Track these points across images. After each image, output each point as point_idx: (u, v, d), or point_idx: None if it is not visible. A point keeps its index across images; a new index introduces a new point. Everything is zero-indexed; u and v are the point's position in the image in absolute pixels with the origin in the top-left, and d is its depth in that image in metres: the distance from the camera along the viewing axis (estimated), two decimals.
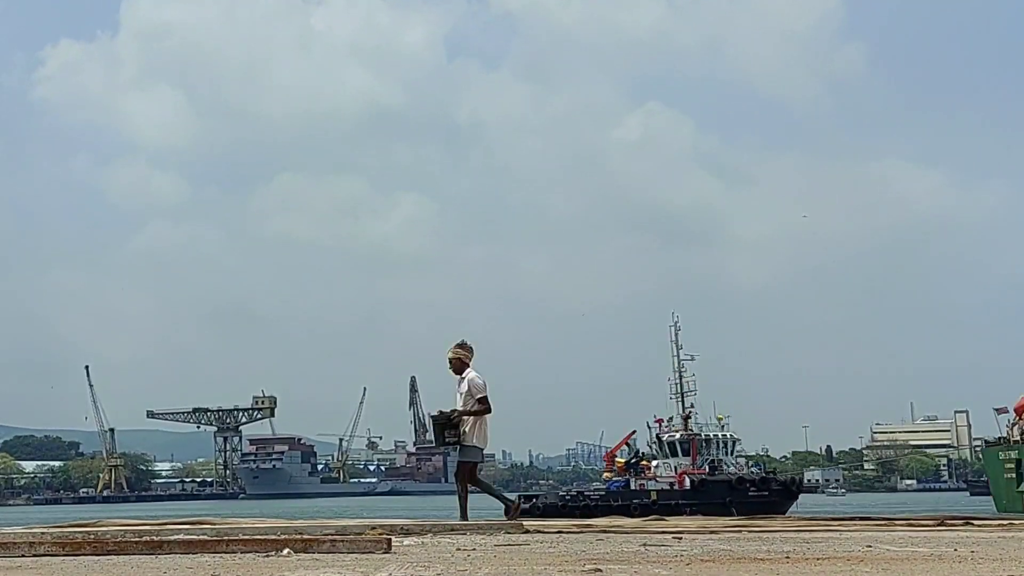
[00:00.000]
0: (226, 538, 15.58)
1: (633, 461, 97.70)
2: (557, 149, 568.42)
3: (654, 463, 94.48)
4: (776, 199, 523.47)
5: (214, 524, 18.69)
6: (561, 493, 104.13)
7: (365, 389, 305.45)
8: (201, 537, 15.83)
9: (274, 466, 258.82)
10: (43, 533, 15.70)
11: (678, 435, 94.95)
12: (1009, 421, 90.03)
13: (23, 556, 14.26)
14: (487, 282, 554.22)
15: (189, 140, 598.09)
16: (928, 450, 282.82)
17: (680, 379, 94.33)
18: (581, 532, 18.86)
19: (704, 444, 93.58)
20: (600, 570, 11.40)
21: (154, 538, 14.54)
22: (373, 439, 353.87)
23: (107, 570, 12.14)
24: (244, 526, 18.86)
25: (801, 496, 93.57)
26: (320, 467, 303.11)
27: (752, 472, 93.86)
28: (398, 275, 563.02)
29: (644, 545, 16.60)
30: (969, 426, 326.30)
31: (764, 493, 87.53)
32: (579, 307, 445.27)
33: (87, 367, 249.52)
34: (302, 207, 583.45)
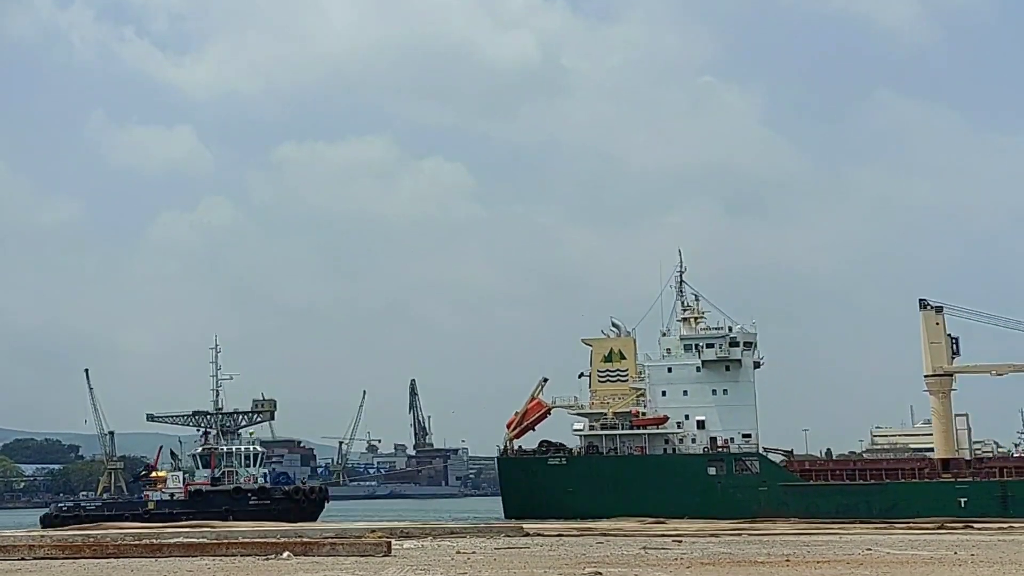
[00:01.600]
0: (225, 541, 15.58)
1: (143, 473, 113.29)
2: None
3: (170, 474, 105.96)
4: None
5: (214, 527, 18.69)
6: (60, 504, 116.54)
7: (365, 392, 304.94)
8: (200, 540, 15.84)
9: (274, 469, 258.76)
10: (43, 536, 15.71)
11: (200, 449, 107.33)
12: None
13: (23, 559, 14.26)
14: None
15: None
16: (928, 453, 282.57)
17: None
18: (581, 535, 18.92)
19: (224, 457, 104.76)
20: (600, 573, 11.39)
21: (153, 541, 14.55)
22: (373, 442, 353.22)
23: (106, 573, 12.16)
24: (243, 529, 18.87)
25: None
26: (320, 470, 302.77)
27: (264, 483, 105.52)
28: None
29: (644, 548, 16.64)
30: (969, 429, 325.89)
31: (266, 502, 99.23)
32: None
33: (87, 370, 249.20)
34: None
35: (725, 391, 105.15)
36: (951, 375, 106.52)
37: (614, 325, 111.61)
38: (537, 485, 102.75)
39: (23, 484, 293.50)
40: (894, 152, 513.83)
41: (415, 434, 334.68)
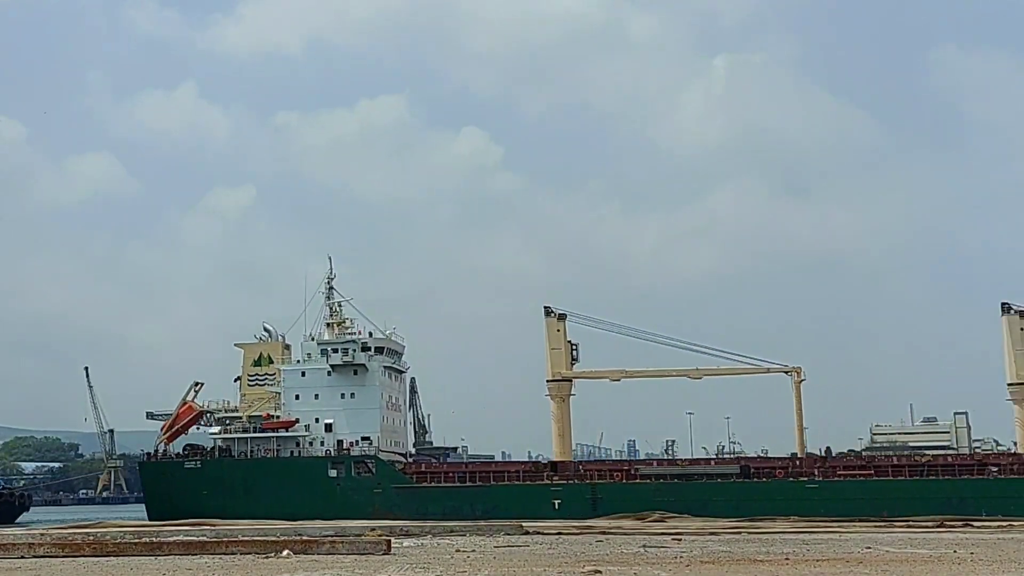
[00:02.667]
0: (225, 539, 15.61)
1: None
2: None
3: None
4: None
5: (214, 525, 18.72)
6: None
7: None
8: (200, 539, 15.86)
9: None
10: (43, 534, 15.71)
11: None
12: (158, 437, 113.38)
13: (23, 557, 14.27)
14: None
15: None
16: (927, 452, 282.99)
17: None
18: (581, 533, 18.95)
19: None
20: (600, 572, 11.40)
21: (153, 539, 14.57)
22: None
23: (106, 571, 12.17)
24: (243, 527, 18.91)
25: None
26: None
27: None
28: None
29: (644, 547, 16.67)
30: (969, 428, 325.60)
31: None
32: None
33: (86, 368, 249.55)
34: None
35: (352, 395, 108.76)
36: (570, 380, 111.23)
37: (265, 329, 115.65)
38: (175, 488, 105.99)
39: (23, 482, 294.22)
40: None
41: (415, 432, 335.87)
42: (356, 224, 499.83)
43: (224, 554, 19.46)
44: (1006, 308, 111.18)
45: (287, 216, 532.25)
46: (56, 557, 14.51)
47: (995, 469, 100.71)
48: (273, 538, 19.13)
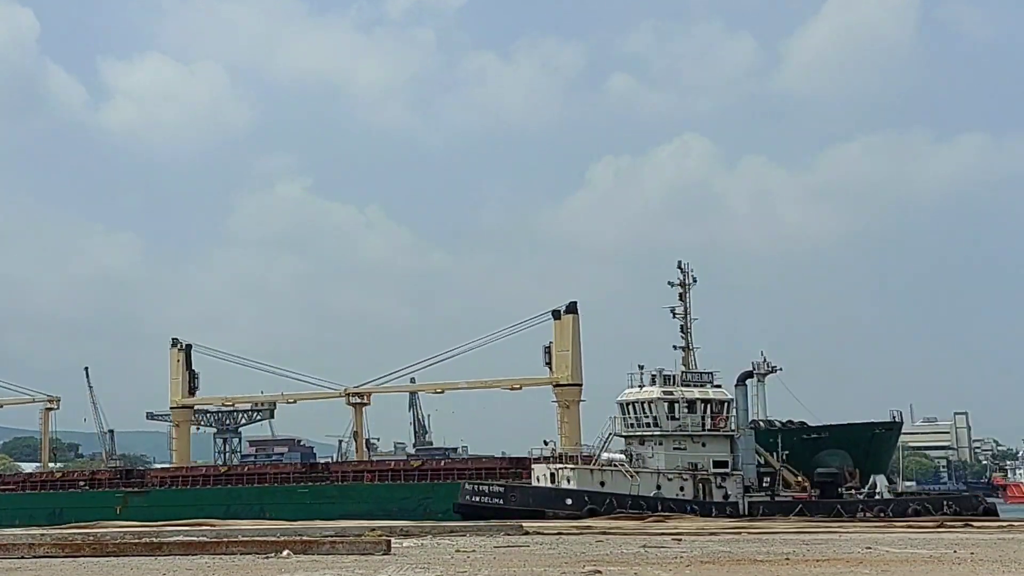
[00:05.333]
0: (225, 539, 15.59)
1: None
2: None
3: None
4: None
5: (213, 526, 18.72)
6: None
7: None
8: (200, 539, 15.85)
9: None
10: (42, 535, 15.69)
11: None
12: None
13: (23, 557, 14.26)
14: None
15: None
16: (928, 452, 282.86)
17: None
18: (581, 533, 18.93)
19: None
20: (600, 572, 11.40)
21: (153, 540, 14.55)
22: (372, 440, 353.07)
23: (106, 572, 12.17)
24: (243, 527, 18.90)
25: None
26: None
27: None
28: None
29: (644, 547, 16.66)
30: (969, 428, 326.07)
31: None
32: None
33: (86, 368, 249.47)
34: None
35: None
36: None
37: None
38: None
39: None
40: None
41: (415, 432, 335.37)
42: None
43: (224, 554, 19.48)
44: (174, 342, 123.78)
45: None
46: (56, 557, 14.55)
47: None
48: (273, 538, 19.17)
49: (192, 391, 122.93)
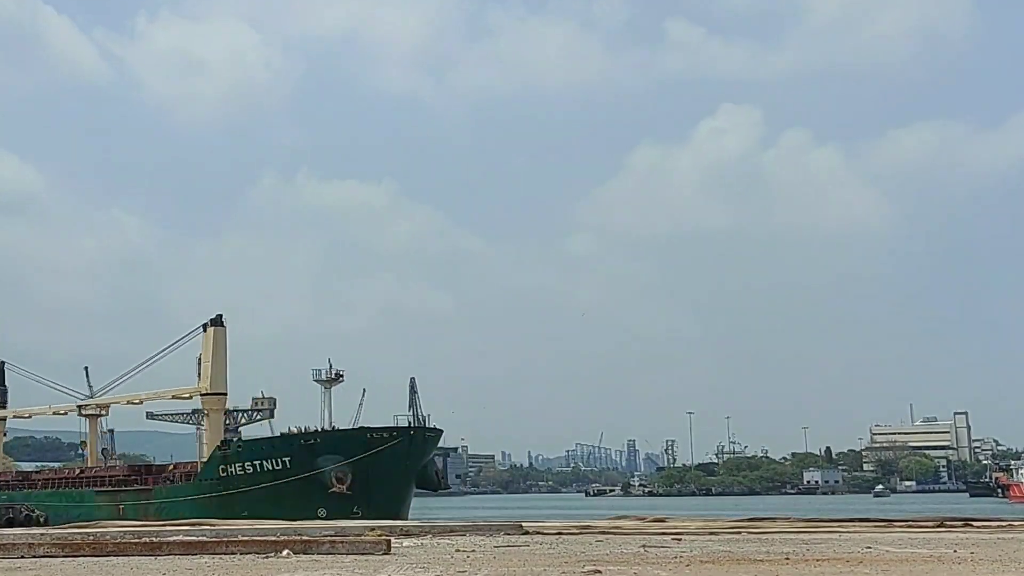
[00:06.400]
0: (225, 539, 15.58)
1: None
2: None
3: None
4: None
5: (213, 525, 18.68)
6: None
7: (364, 390, 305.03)
8: (200, 539, 15.83)
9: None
10: (42, 534, 15.69)
11: None
12: None
13: (22, 557, 14.25)
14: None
15: None
16: (927, 452, 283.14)
17: None
18: (581, 533, 18.90)
19: None
20: (599, 571, 11.38)
21: (153, 539, 14.54)
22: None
23: (106, 571, 12.14)
24: (243, 527, 18.87)
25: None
26: None
27: None
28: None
29: (644, 546, 16.64)
30: (968, 428, 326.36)
31: None
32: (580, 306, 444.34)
33: (86, 368, 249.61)
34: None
35: None
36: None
37: None
38: None
39: None
40: None
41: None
42: None
43: (224, 554, 19.57)
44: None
45: None
46: (56, 557, 14.59)
47: None
48: (273, 538, 19.22)
49: None
